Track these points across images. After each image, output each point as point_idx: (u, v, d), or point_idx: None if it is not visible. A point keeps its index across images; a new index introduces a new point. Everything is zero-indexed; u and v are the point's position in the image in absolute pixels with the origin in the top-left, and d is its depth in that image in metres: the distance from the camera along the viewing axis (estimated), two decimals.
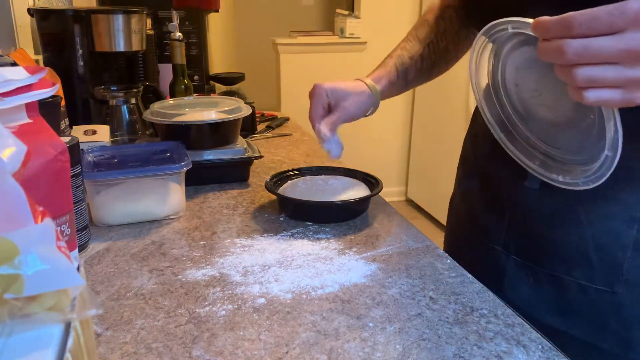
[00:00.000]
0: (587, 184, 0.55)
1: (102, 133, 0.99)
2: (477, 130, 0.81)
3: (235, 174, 0.98)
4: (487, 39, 0.59)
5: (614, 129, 0.50)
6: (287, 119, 1.49)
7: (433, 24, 0.85)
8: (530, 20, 0.49)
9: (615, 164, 0.51)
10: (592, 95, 0.45)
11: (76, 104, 1.18)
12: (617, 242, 0.61)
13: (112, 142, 1.06)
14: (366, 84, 0.82)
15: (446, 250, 0.89)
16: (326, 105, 0.81)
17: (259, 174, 1.02)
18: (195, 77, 1.56)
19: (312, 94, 0.82)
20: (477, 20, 0.71)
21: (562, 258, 0.65)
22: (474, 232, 0.80)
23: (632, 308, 0.61)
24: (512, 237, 0.72)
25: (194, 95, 1.24)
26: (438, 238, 0.83)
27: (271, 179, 0.88)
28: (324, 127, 0.79)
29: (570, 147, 0.60)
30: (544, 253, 0.67)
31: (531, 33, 0.49)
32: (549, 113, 0.62)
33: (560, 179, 0.59)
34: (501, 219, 0.73)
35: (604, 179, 0.53)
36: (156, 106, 0.99)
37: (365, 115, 0.84)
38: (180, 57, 1.21)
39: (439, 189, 3.07)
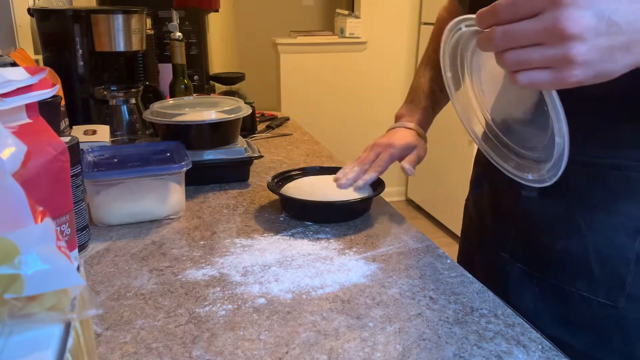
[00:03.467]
0: (551, 178, 0.54)
1: (102, 133, 0.99)
2: None
3: (235, 174, 0.98)
4: (450, 41, 0.59)
5: (555, 116, 0.50)
6: (287, 119, 1.49)
7: None
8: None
9: (567, 151, 0.50)
10: (523, 78, 0.46)
11: (76, 104, 1.18)
12: (619, 255, 0.60)
13: (112, 142, 1.06)
14: (417, 134, 0.86)
15: (459, 251, 0.90)
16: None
17: (259, 174, 1.02)
18: (195, 77, 1.56)
19: (391, 152, 0.84)
20: None
21: (565, 268, 0.65)
22: (484, 237, 0.80)
23: (634, 323, 0.60)
24: (517, 245, 0.71)
25: (194, 95, 1.24)
26: (438, 238, 0.83)
27: (273, 179, 0.88)
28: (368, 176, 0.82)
29: (537, 145, 0.59)
30: (547, 262, 0.67)
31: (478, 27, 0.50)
32: (515, 111, 0.61)
33: (530, 177, 0.58)
34: (507, 227, 0.73)
35: (561, 170, 0.53)
36: (156, 106, 0.99)
37: None
38: (180, 57, 1.21)
39: (439, 189, 3.07)
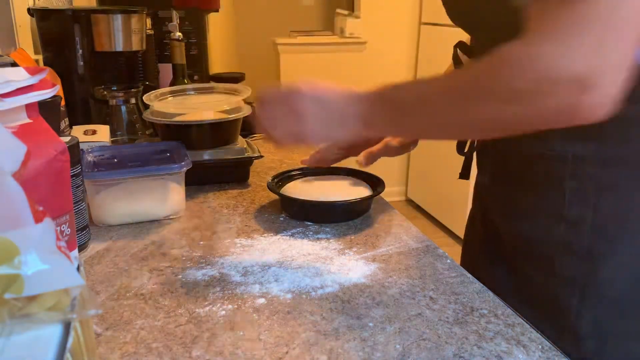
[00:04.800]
0: None
1: (102, 133, 0.99)
2: None
3: (235, 174, 0.98)
4: None
5: None
6: None
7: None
8: None
9: None
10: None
11: (76, 104, 1.18)
12: (549, 238, 0.66)
13: (112, 142, 1.06)
14: None
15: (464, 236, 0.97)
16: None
17: (259, 174, 1.02)
18: (195, 77, 1.56)
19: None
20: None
21: (514, 247, 0.72)
22: (473, 219, 0.88)
23: (564, 301, 0.66)
24: (487, 227, 0.80)
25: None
26: (438, 238, 0.85)
27: (273, 179, 0.88)
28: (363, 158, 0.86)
29: None
30: (502, 240, 0.74)
31: None
32: None
33: None
34: (478, 210, 0.83)
35: None
36: (156, 106, 0.99)
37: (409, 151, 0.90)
38: (180, 57, 1.21)
39: (439, 189, 3.07)
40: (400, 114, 0.60)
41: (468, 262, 0.87)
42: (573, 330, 0.65)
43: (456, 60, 0.81)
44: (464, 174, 0.87)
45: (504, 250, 0.75)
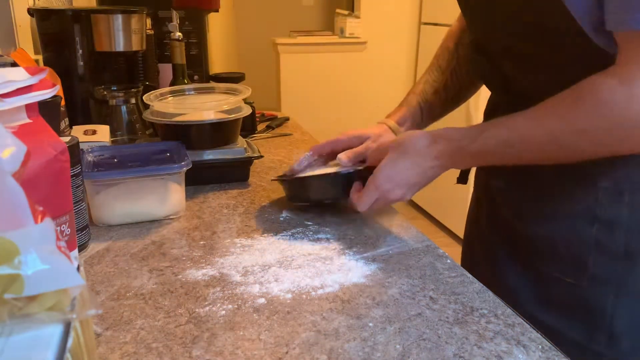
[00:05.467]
0: None
1: (102, 133, 0.99)
2: None
3: (235, 174, 0.98)
4: None
5: None
6: (287, 119, 1.49)
7: (453, 50, 0.88)
8: None
9: None
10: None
11: (76, 104, 1.18)
12: (580, 239, 0.65)
13: (112, 142, 1.06)
14: (390, 128, 0.86)
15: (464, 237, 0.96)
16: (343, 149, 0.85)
17: (259, 174, 1.02)
18: (195, 77, 1.56)
19: (337, 139, 0.86)
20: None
21: (537, 251, 0.71)
22: (479, 221, 0.86)
23: (596, 301, 0.65)
24: (502, 229, 0.78)
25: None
26: (438, 238, 0.85)
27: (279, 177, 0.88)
28: (344, 156, 0.83)
29: None
30: (522, 247, 0.73)
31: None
32: None
33: None
34: (495, 213, 0.80)
35: None
36: (156, 106, 0.99)
37: None
38: (180, 57, 1.21)
39: (439, 189, 3.06)
40: (482, 161, 0.65)
41: (469, 264, 0.87)
42: (607, 330, 0.64)
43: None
44: (462, 179, 0.86)
45: (520, 252, 0.74)
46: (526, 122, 0.59)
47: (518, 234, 0.73)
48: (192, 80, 1.51)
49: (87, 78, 1.18)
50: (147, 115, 0.97)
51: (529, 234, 0.71)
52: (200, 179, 0.95)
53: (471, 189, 0.91)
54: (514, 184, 0.74)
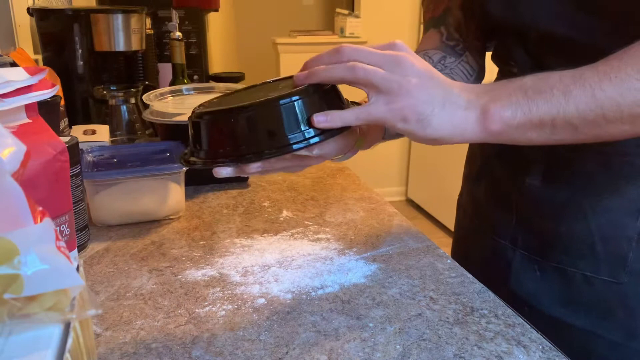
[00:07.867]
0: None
1: (102, 133, 0.99)
2: None
3: None
4: None
5: None
6: None
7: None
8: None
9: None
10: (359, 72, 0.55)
11: (76, 104, 1.18)
12: (622, 233, 0.64)
13: (112, 142, 1.06)
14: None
15: (453, 246, 0.91)
16: None
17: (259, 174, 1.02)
18: (195, 77, 1.56)
19: None
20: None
21: (568, 250, 0.68)
22: (481, 228, 0.81)
23: (636, 297, 0.63)
24: (519, 232, 0.74)
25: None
26: (438, 238, 0.84)
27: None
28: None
29: None
30: (550, 246, 0.70)
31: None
32: None
33: None
34: (508, 215, 0.75)
35: None
36: (156, 106, 0.99)
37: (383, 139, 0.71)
38: (180, 56, 1.21)
39: (439, 189, 3.07)
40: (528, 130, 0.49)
41: (462, 258, 0.86)
42: None
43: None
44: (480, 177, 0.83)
45: (543, 253, 0.71)
46: (581, 93, 0.48)
47: (542, 235, 0.70)
48: (192, 80, 1.51)
49: (87, 78, 1.18)
50: (146, 115, 0.97)
51: (561, 232, 0.68)
52: (200, 179, 0.95)
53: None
54: (554, 181, 0.69)
